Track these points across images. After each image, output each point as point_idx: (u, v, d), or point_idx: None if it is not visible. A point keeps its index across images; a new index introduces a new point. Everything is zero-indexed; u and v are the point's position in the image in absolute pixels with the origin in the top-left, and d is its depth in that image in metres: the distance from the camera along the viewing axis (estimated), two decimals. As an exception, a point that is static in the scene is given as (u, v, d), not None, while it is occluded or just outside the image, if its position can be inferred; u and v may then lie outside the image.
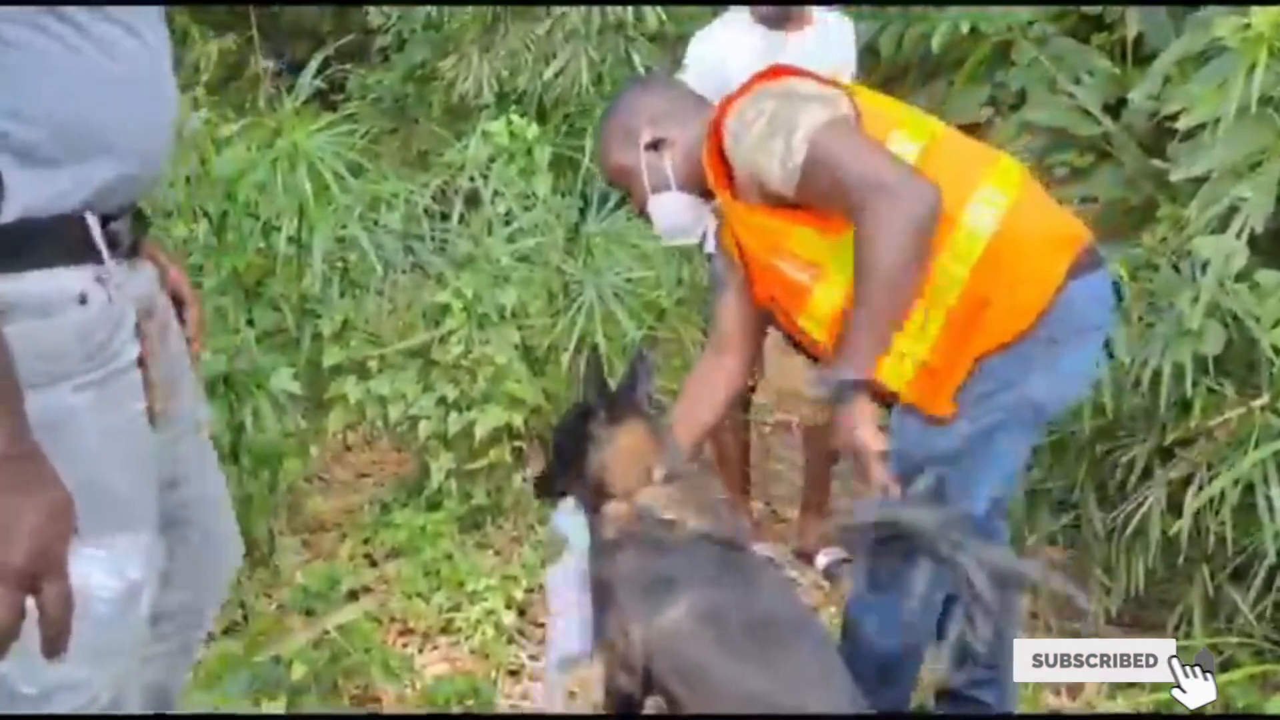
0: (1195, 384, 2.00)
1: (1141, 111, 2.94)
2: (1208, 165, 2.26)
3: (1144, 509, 2.12)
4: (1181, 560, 2.15)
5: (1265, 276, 2.03)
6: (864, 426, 1.63)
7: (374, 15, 5.61)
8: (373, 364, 2.73)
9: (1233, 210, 2.25)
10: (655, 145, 1.86)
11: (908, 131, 1.71)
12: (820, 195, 1.66)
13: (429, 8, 5.56)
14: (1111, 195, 3.06)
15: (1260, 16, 2.20)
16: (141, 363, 1.22)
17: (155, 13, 1.22)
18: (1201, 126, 2.39)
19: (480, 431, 2.69)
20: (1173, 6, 3.34)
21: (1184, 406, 2.05)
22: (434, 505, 2.80)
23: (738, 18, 2.76)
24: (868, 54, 4.86)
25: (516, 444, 2.83)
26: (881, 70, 4.87)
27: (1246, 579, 2.10)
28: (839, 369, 1.64)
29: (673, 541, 1.73)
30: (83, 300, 1.12)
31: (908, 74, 4.89)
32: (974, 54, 4.60)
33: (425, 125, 5.29)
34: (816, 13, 2.76)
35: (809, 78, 1.76)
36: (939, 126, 1.77)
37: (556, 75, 5.36)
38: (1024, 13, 4.22)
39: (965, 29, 4.50)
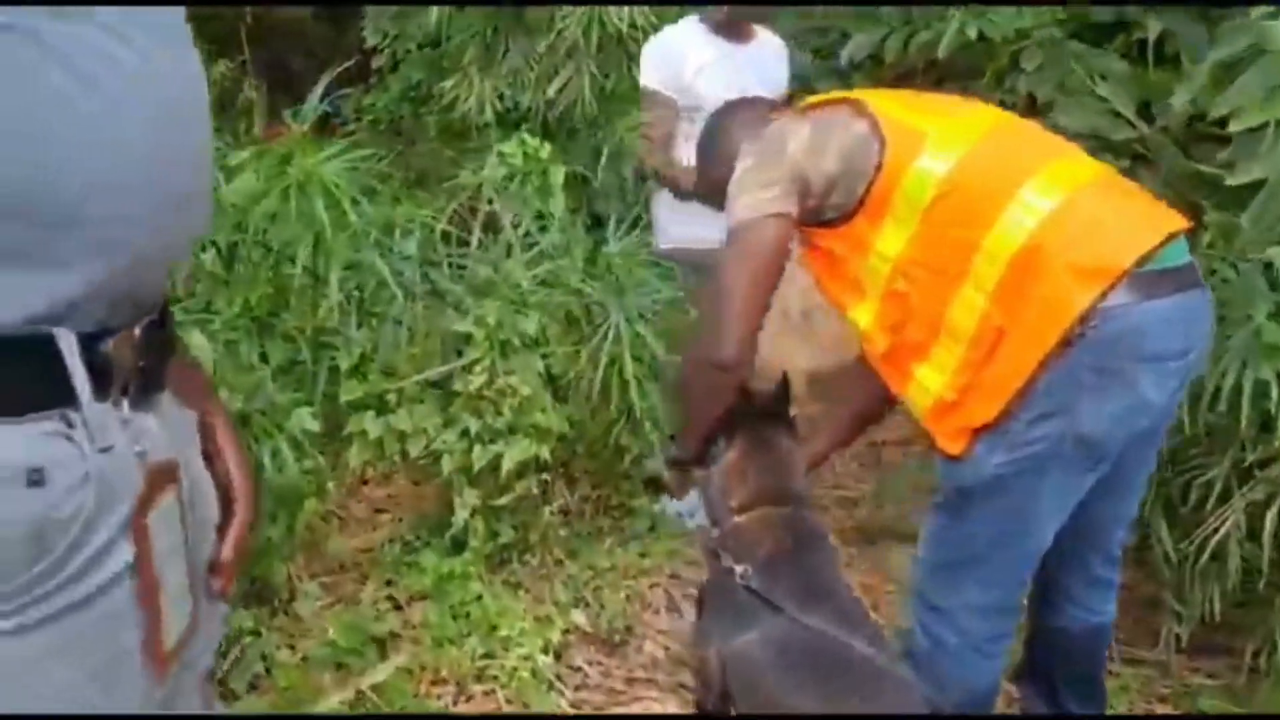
0: (1280, 402, 1.89)
1: (1178, 114, 2.85)
2: (1265, 170, 2.16)
3: (1221, 531, 2.01)
4: (1263, 585, 2.03)
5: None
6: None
7: (371, 35, 5.50)
8: (391, 397, 2.60)
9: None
10: None
11: (939, 145, 1.65)
12: None
13: (427, 26, 5.47)
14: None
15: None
16: (138, 572, 0.78)
17: (170, 17, 0.82)
18: (1250, 131, 2.30)
19: (506, 465, 2.57)
20: (1196, 6, 3.26)
21: (1263, 425, 1.94)
22: (459, 543, 2.68)
23: (690, 25, 2.97)
24: (871, 62, 4.78)
25: (543, 476, 2.71)
26: (886, 78, 4.79)
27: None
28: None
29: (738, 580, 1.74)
30: (35, 479, 0.71)
31: (913, 80, 4.81)
32: (983, 60, 4.53)
33: (423, 147, 5.18)
34: (759, 29, 3.01)
35: (825, 113, 1.76)
36: (989, 120, 1.71)
37: (559, 91, 5.27)
38: (1030, 16, 4.13)
39: (973, 34, 4.43)
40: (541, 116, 5.18)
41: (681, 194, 2.81)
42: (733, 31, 2.92)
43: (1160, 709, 2.27)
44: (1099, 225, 1.60)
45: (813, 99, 1.84)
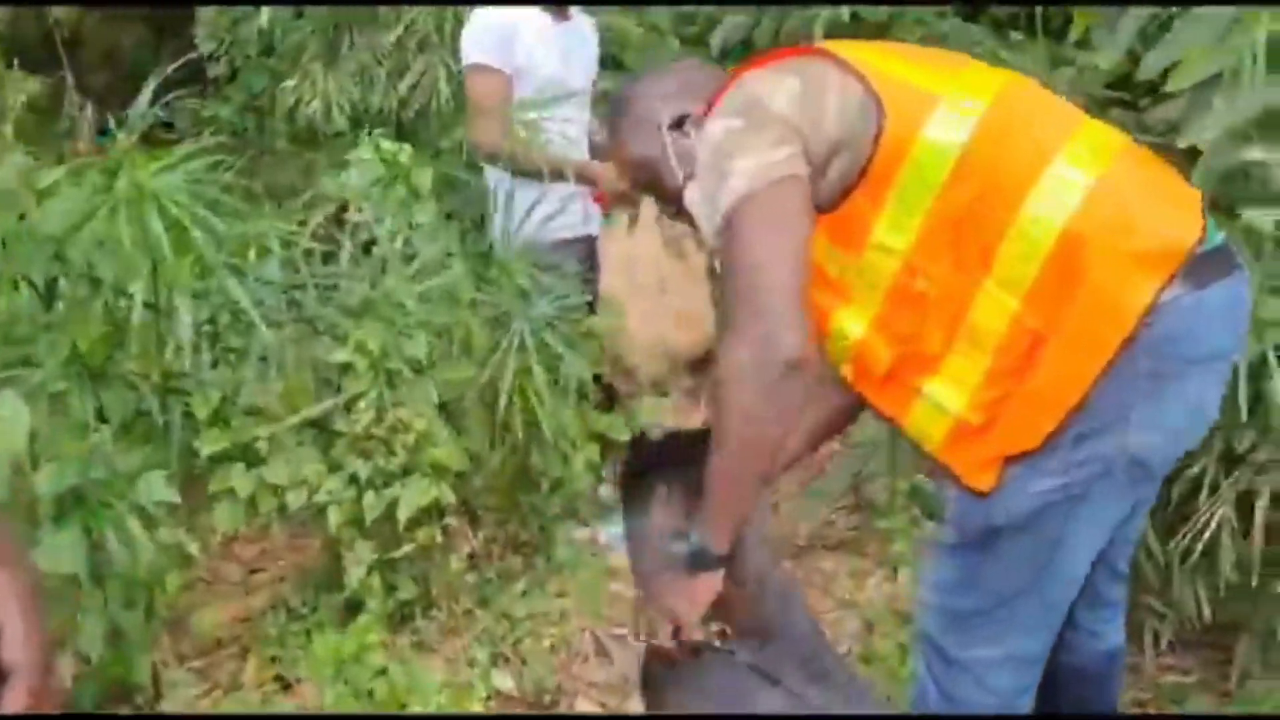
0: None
1: (1094, 78, 2.69)
2: (1221, 125, 1.99)
3: (1211, 526, 1.83)
4: (1255, 580, 1.86)
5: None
6: (695, 606, 1.44)
7: (204, 42, 5.02)
8: (262, 445, 2.23)
9: (1245, 176, 2.01)
10: (679, 124, 1.52)
11: (953, 109, 1.35)
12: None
13: (260, 25, 5.04)
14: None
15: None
16: None
17: None
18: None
19: (404, 512, 2.23)
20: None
21: (1250, 409, 1.75)
22: (354, 605, 2.33)
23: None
24: (743, 48, 4.58)
25: (446, 521, 2.38)
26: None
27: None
28: (699, 532, 1.41)
29: None
30: None
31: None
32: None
33: (272, 157, 4.75)
34: (573, 10, 2.93)
35: (809, 66, 1.41)
36: (999, 79, 1.42)
37: (413, 89, 4.91)
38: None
39: (846, 16, 4.27)
40: (395, 117, 4.83)
41: (521, 171, 2.65)
42: (557, 10, 2.86)
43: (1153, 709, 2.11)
44: (1147, 201, 1.34)
45: (771, 52, 1.50)
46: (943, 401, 1.38)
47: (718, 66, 1.63)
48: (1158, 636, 2.10)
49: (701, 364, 3.60)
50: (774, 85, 1.39)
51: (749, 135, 1.35)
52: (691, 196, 1.49)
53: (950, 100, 1.35)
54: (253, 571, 2.83)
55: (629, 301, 3.04)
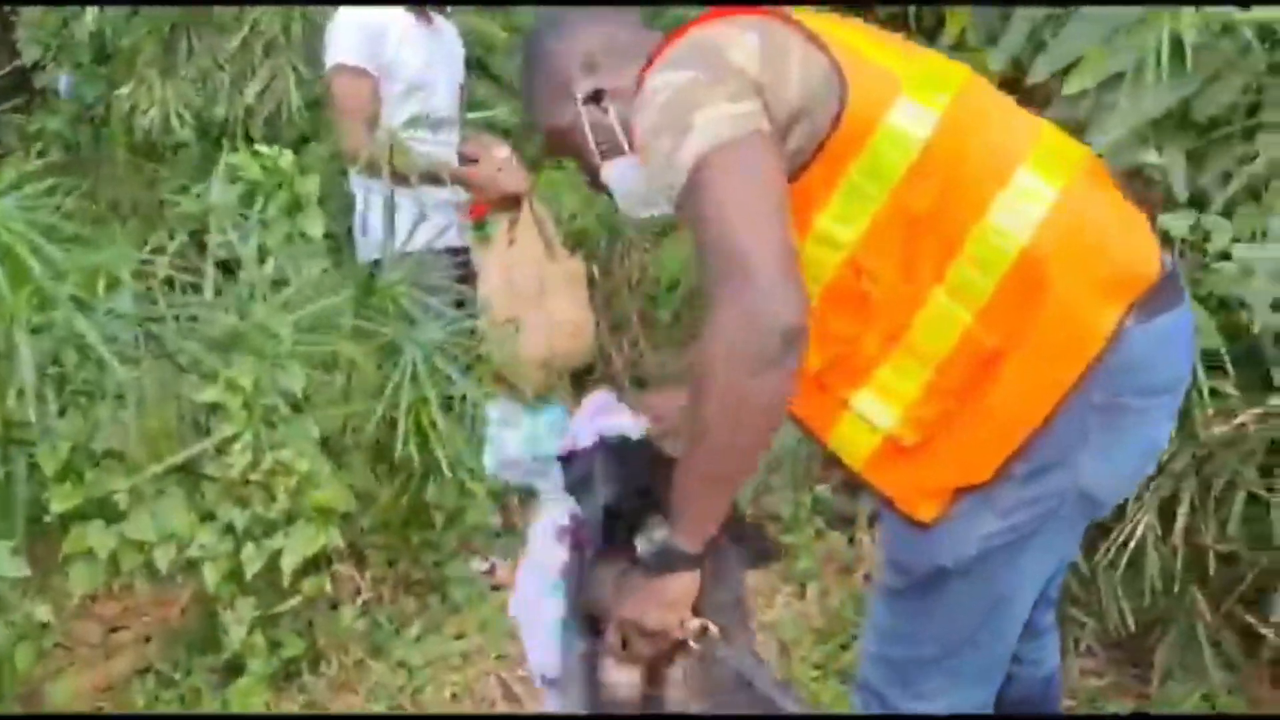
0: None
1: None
2: (1127, 123, 1.98)
3: (1136, 536, 1.81)
4: (1177, 587, 1.85)
5: (1245, 252, 1.72)
6: (671, 608, 1.23)
7: (27, 49, 4.62)
8: (121, 498, 2.00)
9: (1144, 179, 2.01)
10: (595, 98, 1.34)
11: (917, 95, 1.23)
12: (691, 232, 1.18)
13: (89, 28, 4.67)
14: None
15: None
16: None
17: None
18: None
19: (289, 563, 2.03)
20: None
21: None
22: (234, 667, 2.12)
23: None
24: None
25: (334, 568, 2.19)
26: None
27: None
28: (671, 530, 1.21)
29: None
30: None
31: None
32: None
33: (110, 171, 4.39)
34: (435, 15, 2.85)
35: (769, 25, 1.25)
36: (959, 74, 1.29)
37: (261, 95, 4.63)
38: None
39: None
40: (243, 126, 4.55)
41: (398, 179, 2.50)
42: (420, 11, 2.77)
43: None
44: (1111, 223, 1.26)
45: (716, 10, 1.29)
46: (871, 415, 1.26)
47: (643, 25, 1.44)
48: (1077, 642, 2.08)
49: (583, 375, 3.51)
50: (731, 38, 1.22)
51: (706, 88, 1.18)
52: (612, 174, 1.35)
53: (914, 86, 1.23)
54: (113, 630, 2.57)
55: (511, 313, 2.92)
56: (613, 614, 1.27)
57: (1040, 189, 1.22)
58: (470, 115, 3.07)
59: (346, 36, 2.63)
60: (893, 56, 1.28)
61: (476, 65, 3.87)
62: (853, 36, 1.28)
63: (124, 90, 4.58)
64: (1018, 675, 1.55)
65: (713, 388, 1.11)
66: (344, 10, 2.70)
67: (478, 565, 2.66)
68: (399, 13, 2.73)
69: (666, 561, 1.21)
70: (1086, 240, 1.22)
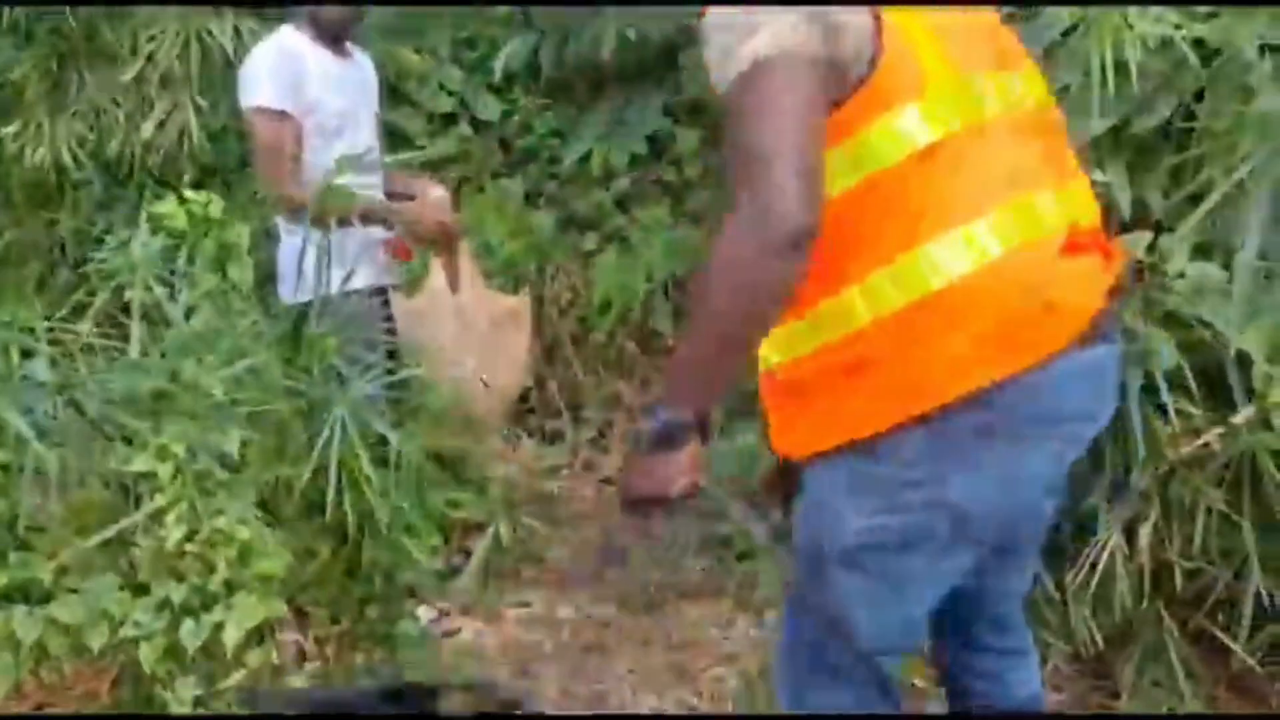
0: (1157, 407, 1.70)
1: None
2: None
3: (1104, 556, 1.81)
4: (1145, 604, 1.86)
5: (1199, 271, 1.74)
6: (686, 475, 1.31)
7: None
8: (45, 578, 1.87)
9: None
10: None
11: (935, 102, 1.26)
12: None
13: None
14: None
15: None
16: None
17: None
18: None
19: (232, 637, 1.92)
20: None
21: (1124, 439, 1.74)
22: (176, 748, 1.99)
23: (293, 35, 2.68)
24: (528, 72, 4.43)
25: (279, 637, 2.08)
26: (544, 88, 4.45)
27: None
28: (665, 407, 1.31)
29: None
30: None
31: (573, 89, 4.49)
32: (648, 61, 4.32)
33: (4, 218, 4.16)
34: (352, 47, 2.82)
35: None
36: (1003, 105, 1.30)
37: (159, 129, 4.47)
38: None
39: (632, 35, 4.19)
40: (142, 163, 4.38)
41: (323, 223, 2.37)
42: (334, 44, 2.72)
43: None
44: (1043, 286, 1.26)
45: None
46: (766, 351, 1.39)
47: None
48: (1045, 660, 2.09)
49: (519, 401, 3.49)
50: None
51: (766, 14, 1.23)
52: (705, 36, 1.32)
53: (934, 90, 1.24)
54: (40, 707, 2.41)
55: (469, 352, 2.89)
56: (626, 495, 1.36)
57: (988, 243, 1.24)
58: (401, 156, 3.03)
59: (266, 78, 2.55)
60: (932, 55, 1.27)
61: (391, 93, 3.79)
62: (910, 17, 1.28)
63: (10, 129, 4.38)
64: (1001, 696, 1.57)
65: (714, 283, 1.21)
66: (259, 50, 2.61)
67: (425, 613, 2.58)
68: (311, 46, 2.65)
69: (668, 437, 1.28)
70: (1010, 303, 1.24)
